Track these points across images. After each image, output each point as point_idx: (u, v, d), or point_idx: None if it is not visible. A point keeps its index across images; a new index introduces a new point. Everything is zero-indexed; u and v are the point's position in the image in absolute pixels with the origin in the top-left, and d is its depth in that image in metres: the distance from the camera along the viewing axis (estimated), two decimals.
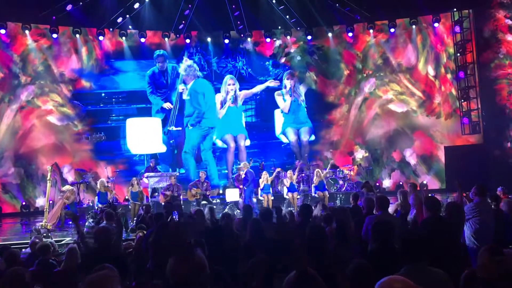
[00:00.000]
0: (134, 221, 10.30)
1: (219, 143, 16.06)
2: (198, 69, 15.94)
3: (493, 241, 5.26)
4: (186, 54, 16.20)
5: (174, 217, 7.33)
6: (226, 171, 15.90)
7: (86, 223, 10.28)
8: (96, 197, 12.36)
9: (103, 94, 15.96)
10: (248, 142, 16.05)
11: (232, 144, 15.67)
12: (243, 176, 12.42)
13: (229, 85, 15.83)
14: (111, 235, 4.79)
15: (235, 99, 15.72)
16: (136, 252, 5.66)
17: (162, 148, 15.91)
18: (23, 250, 6.57)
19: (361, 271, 3.03)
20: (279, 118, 16.54)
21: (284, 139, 16.40)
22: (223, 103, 15.87)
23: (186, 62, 15.83)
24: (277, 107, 16.40)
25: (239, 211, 11.53)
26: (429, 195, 6.60)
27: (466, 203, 6.11)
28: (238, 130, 15.84)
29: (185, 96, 15.78)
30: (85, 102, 15.62)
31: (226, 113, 15.76)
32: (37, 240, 6.19)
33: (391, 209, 6.65)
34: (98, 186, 12.24)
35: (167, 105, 15.82)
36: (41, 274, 4.68)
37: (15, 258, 4.98)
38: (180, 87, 15.79)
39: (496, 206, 6.26)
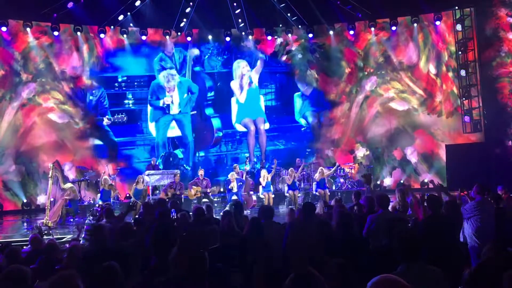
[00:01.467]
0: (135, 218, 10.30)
1: (239, 127, 16.56)
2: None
3: (494, 240, 5.27)
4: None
5: (173, 215, 7.34)
6: (248, 155, 16.40)
7: (86, 221, 10.28)
8: (99, 194, 12.37)
9: (124, 78, 16.15)
10: (267, 126, 16.62)
11: (252, 128, 16.42)
12: (233, 184, 12.48)
13: (243, 68, 16.37)
14: (105, 233, 4.82)
15: (251, 80, 16.24)
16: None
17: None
18: (24, 247, 6.57)
19: (342, 271, 3.03)
20: (298, 102, 16.86)
21: (304, 123, 16.83)
22: (241, 88, 16.15)
23: (167, 70, 16.06)
24: (297, 90, 16.79)
25: (249, 211, 11.63)
26: (430, 193, 6.60)
27: (467, 201, 6.12)
28: (257, 113, 16.50)
29: (176, 110, 15.99)
30: (106, 85, 15.81)
31: (246, 96, 16.38)
32: (37, 237, 6.20)
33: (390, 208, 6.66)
34: (102, 183, 12.25)
35: (166, 100, 15.94)
36: (43, 272, 4.69)
37: (16, 255, 4.99)
38: (167, 100, 15.90)
39: (497, 205, 6.26)
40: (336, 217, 5.08)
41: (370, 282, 2.12)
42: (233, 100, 16.77)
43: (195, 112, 16.41)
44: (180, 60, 16.40)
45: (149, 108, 16.15)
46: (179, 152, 16.22)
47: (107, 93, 15.79)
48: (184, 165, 16.08)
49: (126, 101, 16.21)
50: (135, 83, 16.28)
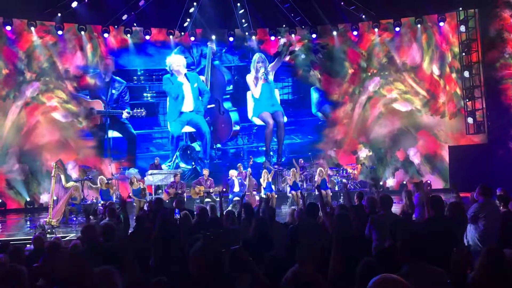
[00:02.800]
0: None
1: (257, 121, 16.66)
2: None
3: (498, 242, 5.24)
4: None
5: (176, 215, 7.33)
6: (264, 149, 16.59)
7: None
8: (99, 194, 12.40)
9: (142, 71, 16.33)
10: (285, 119, 16.66)
11: (271, 121, 16.41)
12: (235, 180, 12.59)
13: (258, 62, 16.41)
14: (96, 232, 4.83)
15: (266, 76, 16.20)
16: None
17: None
18: (27, 246, 6.60)
19: (370, 270, 3.04)
20: (315, 95, 16.91)
21: (321, 116, 16.96)
22: (256, 82, 16.29)
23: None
24: (314, 84, 16.88)
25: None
26: (433, 194, 6.58)
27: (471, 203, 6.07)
28: (275, 107, 16.54)
29: (190, 106, 16.11)
30: (126, 79, 16.00)
31: (260, 91, 16.40)
32: (41, 236, 6.22)
33: (397, 210, 6.64)
34: (99, 183, 12.29)
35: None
36: (45, 270, 4.71)
37: (19, 253, 5.01)
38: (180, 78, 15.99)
39: (505, 207, 6.21)
40: (334, 219, 5.08)
41: (371, 282, 2.12)
42: (249, 94, 16.82)
43: (213, 105, 16.54)
44: (198, 54, 16.57)
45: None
46: (196, 145, 16.38)
47: (126, 86, 16.02)
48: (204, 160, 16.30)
49: (145, 94, 16.44)
50: (153, 77, 16.45)
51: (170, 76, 15.96)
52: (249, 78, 16.56)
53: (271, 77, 16.55)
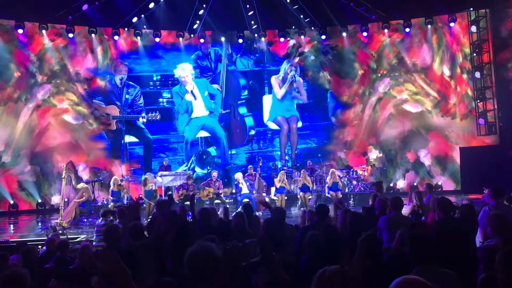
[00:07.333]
0: (148, 220, 10.35)
1: (271, 125, 16.81)
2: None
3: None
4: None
5: (189, 218, 7.33)
6: (279, 153, 16.76)
7: (96, 222, 10.35)
8: (110, 195, 12.48)
9: (158, 76, 16.45)
10: (300, 124, 16.76)
11: (285, 126, 16.62)
12: (243, 184, 12.64)
13: (290, 65, 16.62)
14: (119, 234, 4.82)
15: (291, 83, 16.38)
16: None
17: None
18: (40, 247, 6.66)
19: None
20: (330, 100, 16.94)
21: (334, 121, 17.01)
22: (281, 84, 16.49)
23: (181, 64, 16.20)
24: (323, 85, 16.91)
25: (261, 212, 11.63)
26: (441, 196, 6.54)
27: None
28: (290, 112, 16.67)
29: (203, 111, 16.24)
30: (141, 84, 16.17)
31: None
32: (54, 238, 6.28)
33: (407, 211, 6.60)
34: (112, 184, 12.33)
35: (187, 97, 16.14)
36: (57, 270, 4.75)
37: (32, 254, 5.05)
38: (188, 97, 16.04)
39: None
40: (347, 218, 5.04)
41: (393, 283, 2.10)
42: (265, 98, 16.87)
43: (229, 110, 16.64)
44: (216, 60, 16.69)
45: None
46: (212, 150, 16.52)
47: (142, 92, 16.14)
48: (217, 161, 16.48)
49: (160, 100, 16.54)
50: (169, 82, 16.54)
51: (179, 87, 16.06)
52: (274, 79, 16.64)
53: (295, 85, 16.58)
